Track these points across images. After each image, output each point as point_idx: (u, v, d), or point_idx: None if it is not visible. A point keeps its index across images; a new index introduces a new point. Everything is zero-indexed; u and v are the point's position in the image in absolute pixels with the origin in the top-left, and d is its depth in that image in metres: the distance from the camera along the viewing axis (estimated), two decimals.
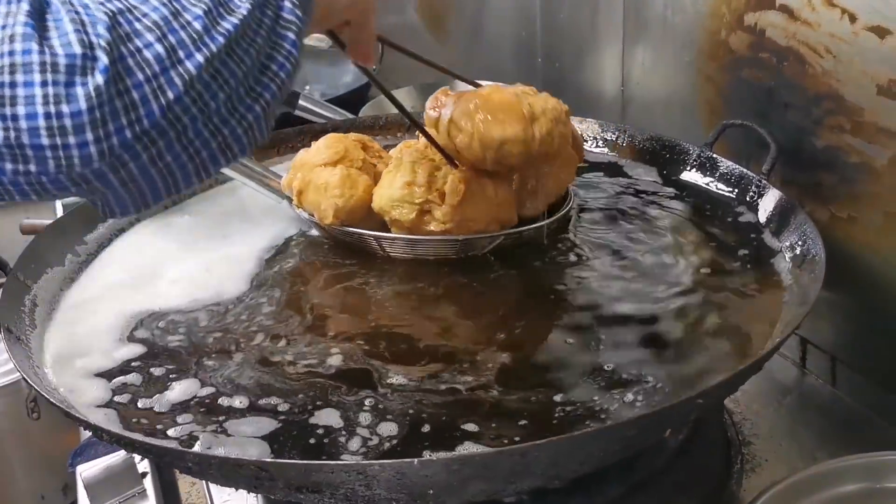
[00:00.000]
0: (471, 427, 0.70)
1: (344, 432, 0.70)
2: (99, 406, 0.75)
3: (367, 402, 0.73)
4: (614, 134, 1.23)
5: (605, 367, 0.78)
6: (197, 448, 0.67)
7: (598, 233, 1.03)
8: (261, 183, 1.09)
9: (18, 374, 1.96)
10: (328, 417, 0.72)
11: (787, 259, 0.92)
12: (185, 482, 0.95)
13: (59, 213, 1.77)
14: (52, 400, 0.69)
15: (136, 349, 0.84)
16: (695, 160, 1.12)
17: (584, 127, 1.25)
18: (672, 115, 1.27)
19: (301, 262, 1.00)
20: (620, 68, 1.37)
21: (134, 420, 0.73)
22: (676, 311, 0.86)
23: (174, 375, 0.79)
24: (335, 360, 0.80)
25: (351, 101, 1.72)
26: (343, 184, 0.94)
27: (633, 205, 1.09)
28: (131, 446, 0.70)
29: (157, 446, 0.67)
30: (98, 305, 0.92)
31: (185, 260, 1.00)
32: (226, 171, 1.03)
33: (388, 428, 0.70)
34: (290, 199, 1.03)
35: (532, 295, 0.94)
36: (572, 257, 0.98)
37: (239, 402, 0.74)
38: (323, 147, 0.98)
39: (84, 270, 0.99)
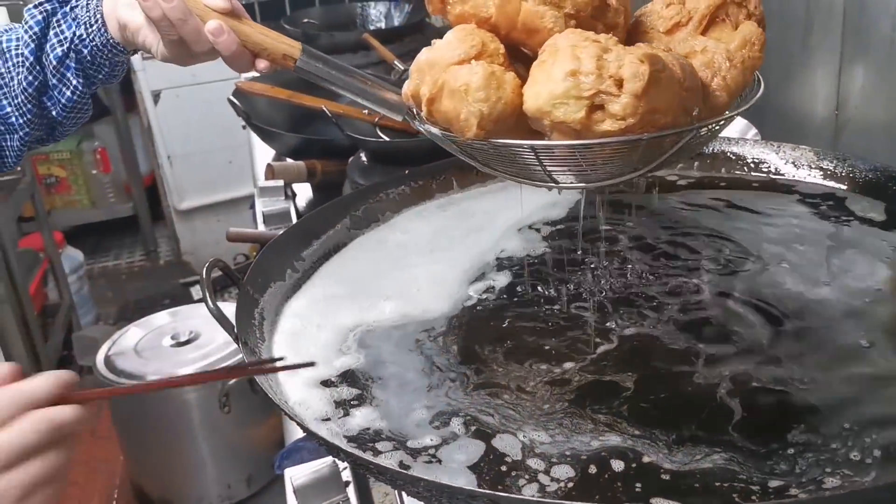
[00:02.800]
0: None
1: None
2: (324, 420, 0.80)
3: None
4: (832, 163, 1.16)
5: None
6: (426, 475, 0.70)
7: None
8: (372, 96, 0.89)
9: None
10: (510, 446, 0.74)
11: None
12: (378, 492, 0.98)
13: (260, 221, 1.89)
14: (305, 425, 0.74)
15: (353, 361, 0.88)
16: None
17: (798, 154, 1.18)
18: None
19: (498, 290, 1.01)
20: (836, 90, 1.29)
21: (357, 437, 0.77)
22: None
23: (382, 397, 0.82)
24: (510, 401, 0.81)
25: None
26: (487, 84, 0.73)
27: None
28: (366, 468, 0.73)
29: (396, 471, 0.70)
30: (319, 318, 0.97)
31: (396, 276, 1.05)
32: (332, 83, 0.88)
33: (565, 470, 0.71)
34: (412, 114, 0.86)
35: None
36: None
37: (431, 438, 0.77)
38: (454, 40, 0.77)
39: (305, 283, 1.04)
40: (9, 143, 0.99)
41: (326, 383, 0.85)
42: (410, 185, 1.22)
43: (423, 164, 1.25)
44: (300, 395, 0.83)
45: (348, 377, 0.86)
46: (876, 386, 0.80)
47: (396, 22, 3.17)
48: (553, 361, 0.86)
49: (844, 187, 1.13)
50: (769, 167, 1.19)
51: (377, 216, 1.18)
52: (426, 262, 1.08)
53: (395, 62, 2.58)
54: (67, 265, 3.34)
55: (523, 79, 0.75)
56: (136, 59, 3.42)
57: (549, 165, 0.76)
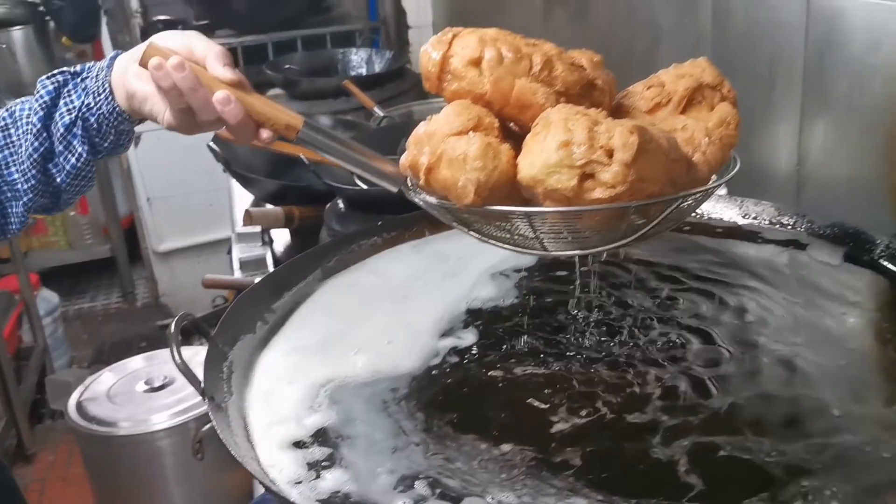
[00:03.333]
0: None
1: None
2: (296, 483, 0.79)
3: None
4: (792, 219, 1.19)
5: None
6: None
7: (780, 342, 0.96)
8: (370, 168, 0.93)
9: (186, 417, 2.02)
10: None
11: None
12: None
13: (236, 267, 1.89)
14: (266, 484, 0.75)
15: (324, 419, 0.88)
16: (882, 251, 1.07)
17: (759, 209, 1.22)
18: (855, 199, 1.22)
19: (461, 350, 1.01)
20: (797, 146, 1.33)
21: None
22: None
23: (351, 459, 0.82)
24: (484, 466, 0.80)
25: None
26: (485, 154, 0.77)
27: (813, 305, 1.04)
28: None
29: None
30: (290, 373, 0.97)
31: (368, 326, 1.05)
32: (331, 154, 0.92)
33: None
34: (407, 186, 0.90)
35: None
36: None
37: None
38: (452, 114, 0.82)
39: (276, 333, 1.05)
40: (13, 210, 1.03)
41: (299, 444, 0.85)
42: (383, 235, 1.24)
43: (399, 213, 1.27)
44: (274, 457, 0.83)
45: (320, 436, 0.86)
46: (847, 457, 0.79)
47: (377, 68, 3.21)
48: (493, 442, 0.83)
49: (805, 243, 1.16)
50: (731, 222, 1.22)
51: (350, 266, 1.19)
52: (399, 309, 1.08)
53: (375, 108, 2.62)
54: (43, 307, 3.32)
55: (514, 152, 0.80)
56: None
57: (542, 232, 0.80)
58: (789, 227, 1.19)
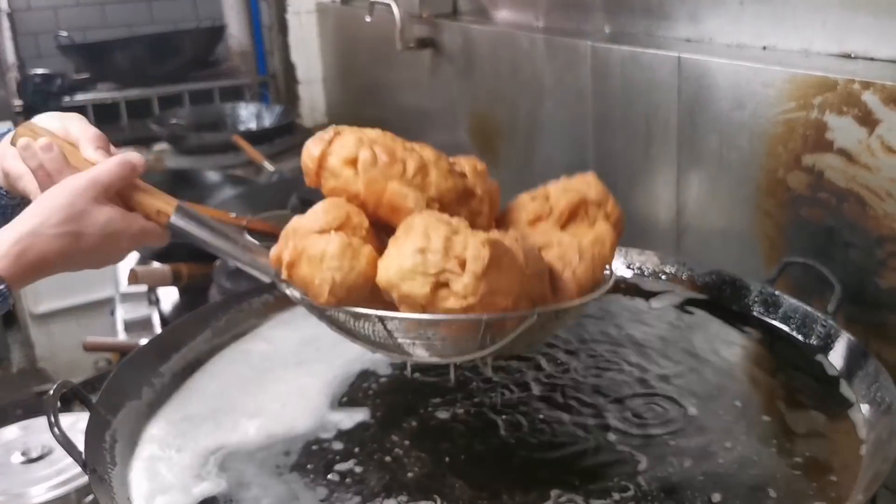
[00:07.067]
0: None
1: None
2: None
3: None
4: (674, 267, 1.24)
5: None
6: None
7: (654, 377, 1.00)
8: (244, 259, 0.90)
9: (66, 489, 1.92)
10: None
11: (863, 409, 0.89)
12: None
13: (121, 329, 1.82)
14: None
15: (212, 487, 0.85)
16: (756, 297, 1.13)
17: (644, 259, 1.27)
18: (730, 247, 1.29)
19: (367, 405, 0.99)
20: (675, 197, 1.40)
21: None
22: (745, 465, 0.84)
23: None
24: None
25: None
26: (342, 254, 0.78)
27: (691, 344, 1.08)
28: None
29: None
30: (179, 440, 0.93)
31: (260, 392, 1.02)
32: (205, 244, 0.89)
33: None
34: (279, 278, 0.87)
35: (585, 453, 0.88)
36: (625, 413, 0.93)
37: None
38: (320, 211, 0.82)
39: (166, 401, 1.01)
40: None
41: None
42: (274, 293, 1.22)
43: None
44: None
45: None
46: None
47: (267, 123, 3.20)
48: None
49: (684, 289, 1.21)
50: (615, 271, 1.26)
51: (241, 325, 1.17)
52: (292, 375, 1.06)
53: (265, 163, 2.60)
54: None
55: None
56: None
57: (399, 336, 0.80)
58: (671, 274, 1.24)
